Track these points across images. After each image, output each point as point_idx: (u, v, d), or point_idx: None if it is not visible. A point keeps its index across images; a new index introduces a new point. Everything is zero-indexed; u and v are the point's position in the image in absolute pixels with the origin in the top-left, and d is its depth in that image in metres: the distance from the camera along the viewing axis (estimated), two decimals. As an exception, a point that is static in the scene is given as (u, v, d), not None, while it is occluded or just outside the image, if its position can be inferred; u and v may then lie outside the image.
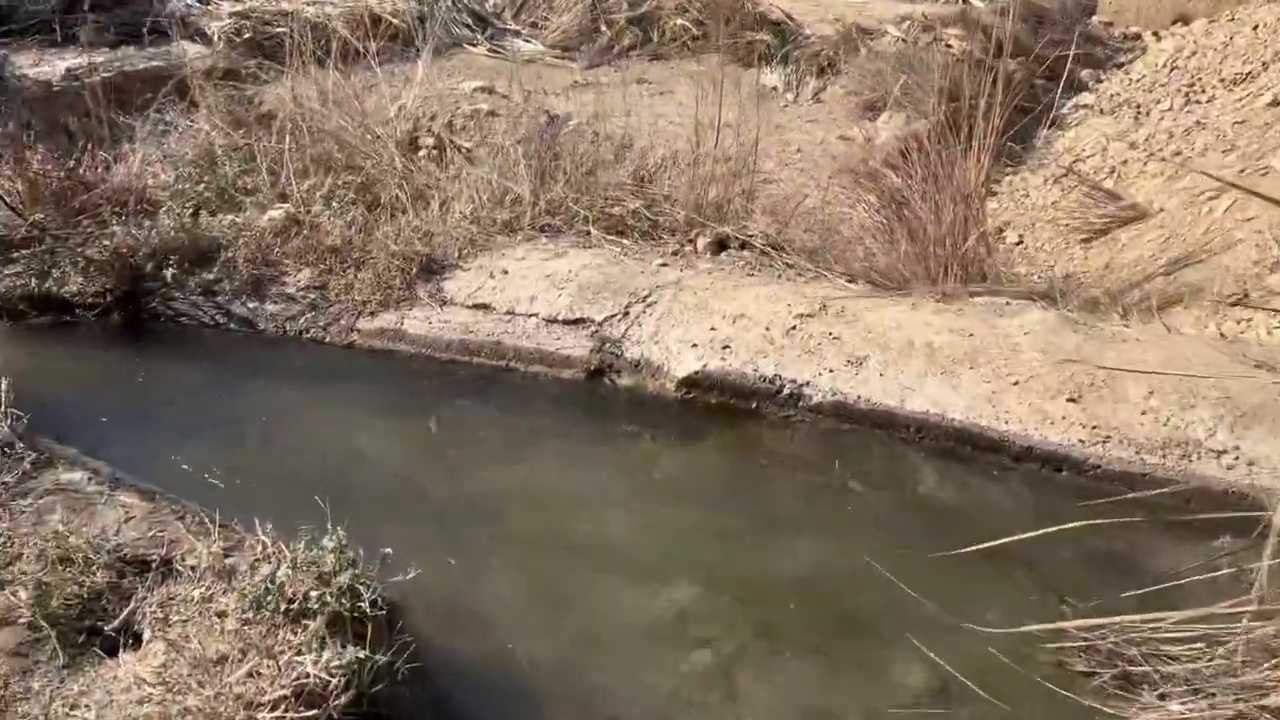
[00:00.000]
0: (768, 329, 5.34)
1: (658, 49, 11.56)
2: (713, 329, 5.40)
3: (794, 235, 6.58)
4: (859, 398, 4.96)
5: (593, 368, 5.41)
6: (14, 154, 6.14)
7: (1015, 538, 3.56)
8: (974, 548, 3.65)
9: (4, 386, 4.67)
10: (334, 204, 6.36)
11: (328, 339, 5.67)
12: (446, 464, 4.88)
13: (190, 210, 6.35)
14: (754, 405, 5.15)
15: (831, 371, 5.07)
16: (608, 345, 5.46)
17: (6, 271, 5.66)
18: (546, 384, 5.44)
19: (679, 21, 11.73)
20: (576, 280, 5.79)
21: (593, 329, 5.54)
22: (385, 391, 5.41)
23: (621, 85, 10.09)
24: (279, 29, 10.33)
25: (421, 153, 8.22)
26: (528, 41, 11.67)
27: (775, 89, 10.60)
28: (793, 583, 4.11)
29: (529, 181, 6.54)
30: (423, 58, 8.72)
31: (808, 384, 5.07)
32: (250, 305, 5.76)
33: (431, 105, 8.61)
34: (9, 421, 4.56)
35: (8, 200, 5.58)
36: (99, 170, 6.39)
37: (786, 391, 5.08)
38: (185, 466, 4.74)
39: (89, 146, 6.82)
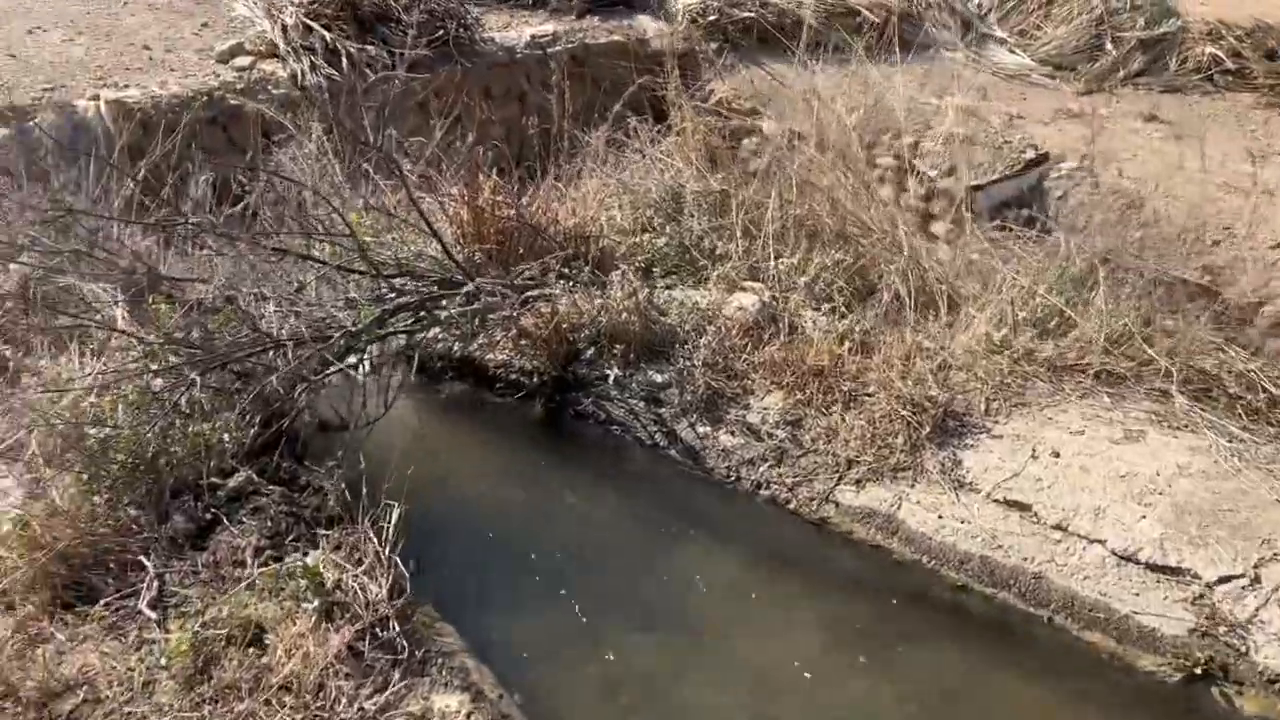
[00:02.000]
0: None
1: (1174, 79, 8.73)
2: None
3: None
4: None
5: (1193, 664, 3.25)
6: (468, 169, 4.82)
7: None
8: None
9: (393, 519, 3.33)
10: (818, 296, 4.54)
11: (793, 504, 3.90)
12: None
13: (642, 266, 4.79)
14: None
15: None
16: (1223, 630, 3.28)
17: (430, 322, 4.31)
18: (1111, 669, 3.36)
19: (1208, 50, 8.80)
20: (1168, 494, 3.61)
21: (1196, 591, 3.37)
22: (866, 615, 3.60)
23: (1125, 119, 7.57)
24: (746, 13, 8.83)
25: (875, 173, 6.31)
26: (1013, 53, 9.26)
27: (1334, 151, 7.48)
28: None
29: (1103, 306, 4.35)
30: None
31: None
32: (700, 431, 4.09)
33: (896, 118, 6.62)
34: (388, 580, 3.19)
35: (444, 243, 4.23)
36: (549, 199, 4.94)
37: None
38: (590, 689, 3.19)
39: (542, 167, 5.46)
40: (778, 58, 8.66)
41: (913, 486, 3.81)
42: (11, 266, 3.89)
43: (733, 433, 4.08)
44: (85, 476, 3.27)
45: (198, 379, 3.40)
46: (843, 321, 4.37)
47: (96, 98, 5.89)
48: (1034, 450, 3.84)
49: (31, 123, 5.59)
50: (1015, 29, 9.53)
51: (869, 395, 4.07)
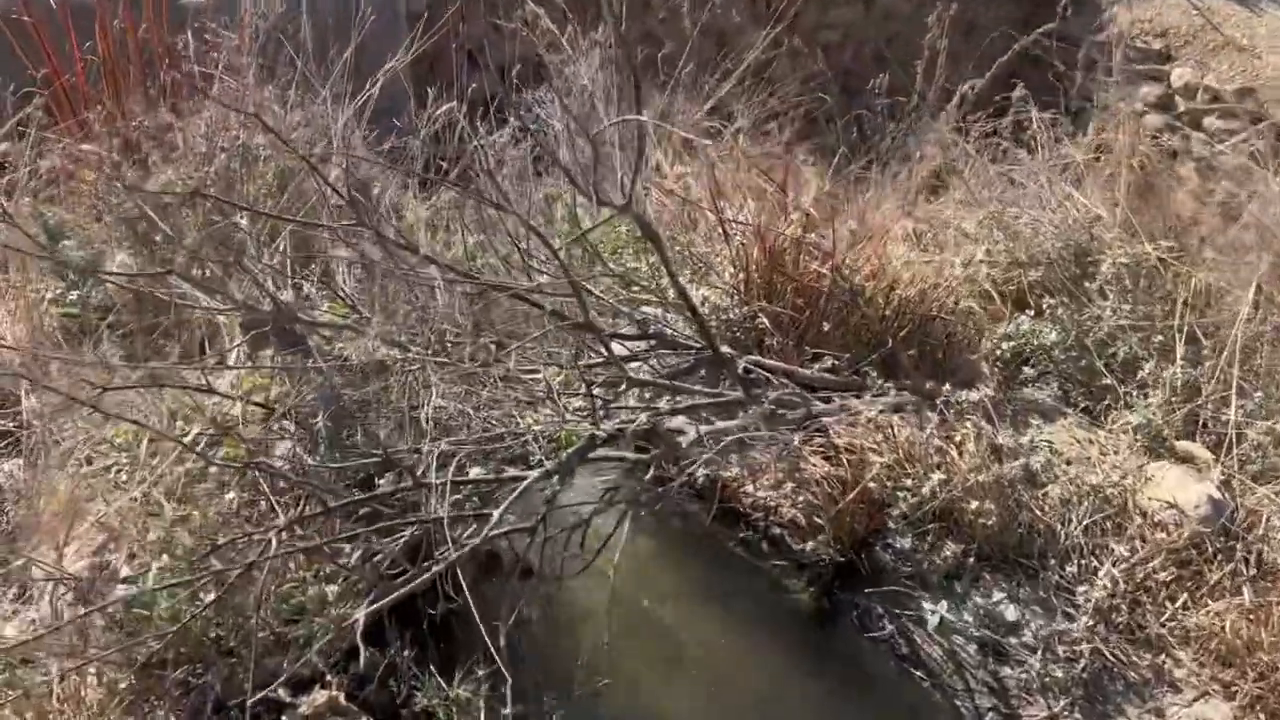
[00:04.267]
0: None
1: None
2: None
3: None
4: None
5: None
6: (782, 171, 3.14)
7: None
8: None
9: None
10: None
11: None
12: None
13: (1006, 357, 2.98)
14: None
15: None
16: None
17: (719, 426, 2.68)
18: None
19: None
20: None
21: None
22: None
23: None
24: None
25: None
26: None
27: None
28: None
29: None
30: None
31: None
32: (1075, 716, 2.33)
33: None
34: None
35: (704, 323, 2.59)
36: (885, 236, 3.15)
37: None
38: None
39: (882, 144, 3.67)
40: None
41: None
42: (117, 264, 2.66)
43: (1122, 743, 2.31)
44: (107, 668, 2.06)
45: (272, 538, 2.05)
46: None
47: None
48: None
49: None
50: None
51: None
